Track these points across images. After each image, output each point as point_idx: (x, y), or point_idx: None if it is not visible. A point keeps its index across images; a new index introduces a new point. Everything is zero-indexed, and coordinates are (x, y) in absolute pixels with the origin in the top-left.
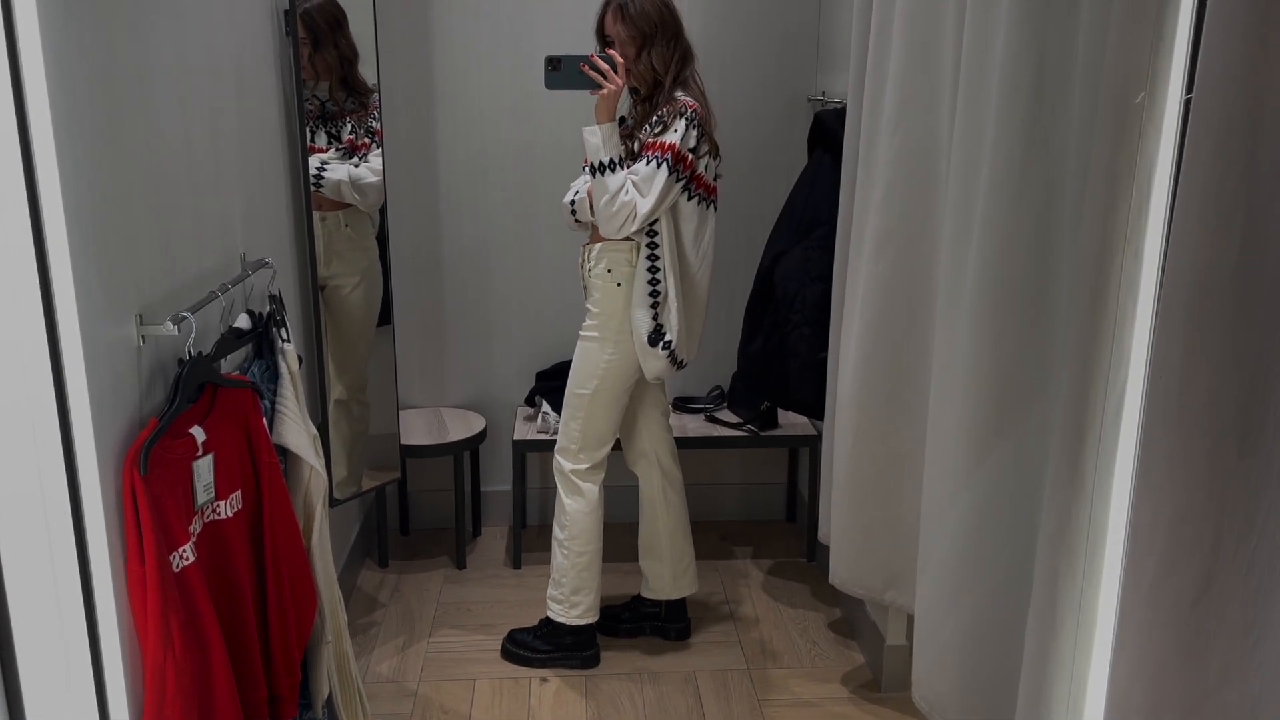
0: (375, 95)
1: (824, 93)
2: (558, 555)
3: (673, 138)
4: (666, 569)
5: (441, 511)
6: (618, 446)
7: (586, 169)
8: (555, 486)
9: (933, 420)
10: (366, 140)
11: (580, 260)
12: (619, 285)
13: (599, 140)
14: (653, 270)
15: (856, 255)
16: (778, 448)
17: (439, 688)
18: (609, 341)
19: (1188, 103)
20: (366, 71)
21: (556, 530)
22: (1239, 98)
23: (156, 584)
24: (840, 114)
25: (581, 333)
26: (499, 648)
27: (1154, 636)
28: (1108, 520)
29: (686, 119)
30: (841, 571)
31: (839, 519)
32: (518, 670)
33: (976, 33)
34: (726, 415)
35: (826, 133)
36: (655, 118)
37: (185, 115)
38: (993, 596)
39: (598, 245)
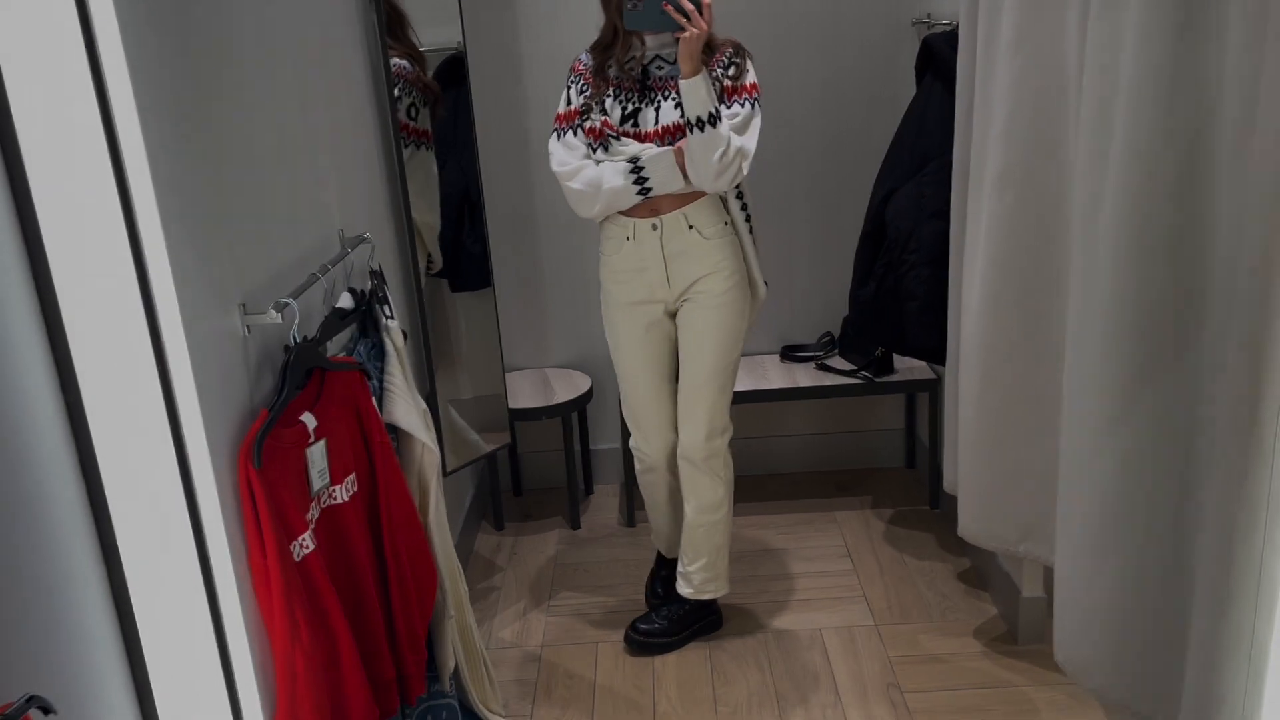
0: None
1: (929, 15)
2: (712, 537)
3: (752, 78)
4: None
5: (552, 471)
6: None
7: (624, 147)
8: (696, 470)
9: (1071, 364)
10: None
11: (658, 237)
12: (734, 234)
13: (705, 92)
14: (745, 209)
15: (977, 190)
16: (895, 394)
17: (562, 652)
18: (745, 298)
19: None
20: (438, 31)
21: (707, 515)
22: None
23: (279, 575)
24: (951, 37)
25: (711, 302)
26: (622, 609)
27: None
28: None
29: (749, 56)
30: (971, 524)
31: (967, 468)
32: None
33: None
34: (838, 362)
35: (936, 58)
36: (724, 59)
37: (273, 90)
38: (1143, 555)
39: (686, 210)
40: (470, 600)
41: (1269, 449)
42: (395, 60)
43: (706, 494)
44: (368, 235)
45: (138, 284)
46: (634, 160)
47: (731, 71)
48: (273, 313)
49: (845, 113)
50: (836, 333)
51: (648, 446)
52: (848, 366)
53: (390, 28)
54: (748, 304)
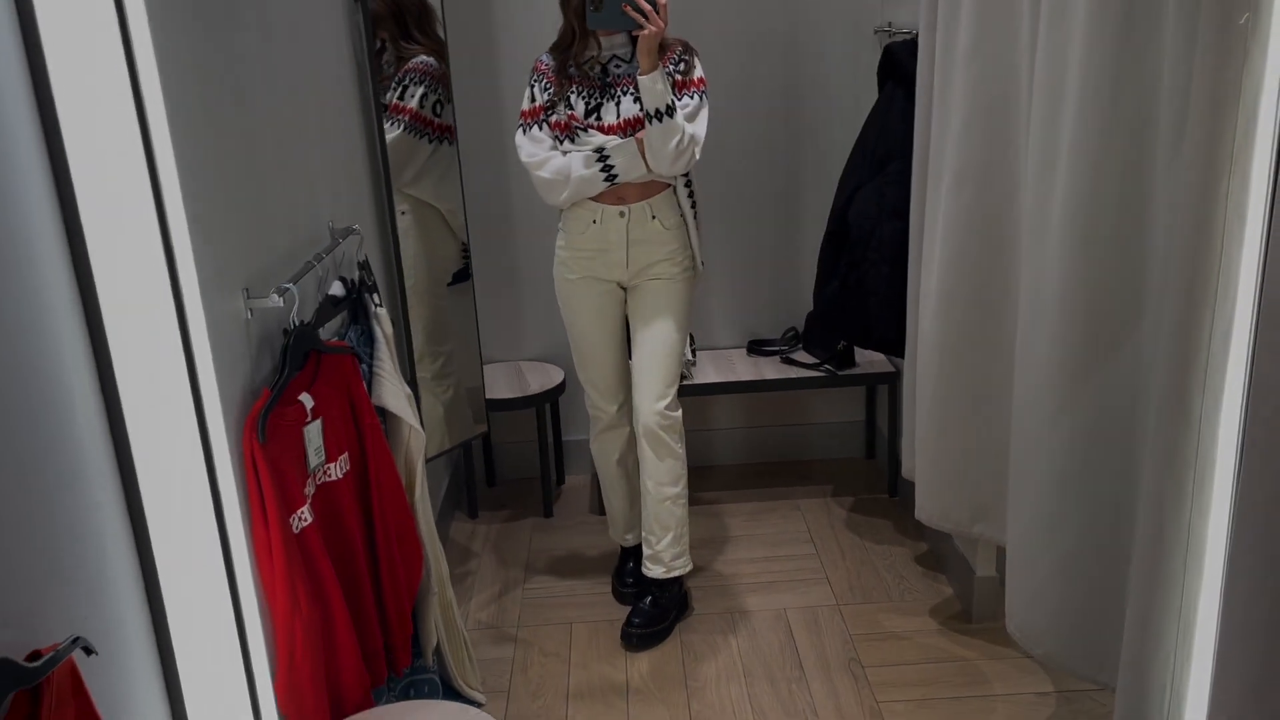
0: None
1: (890, 23)
2: (675, 511)
3: (700, 72)
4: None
5: (525, 462)
6: None
7: (593, 136)
8: (657, 443)
9: (1022, 352)
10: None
11: (624, 224)
12: (683, 221)
13: (662, 86)
14: (691, 196)
15: (935, 190)
16: (855, 386)
17: (538, 632)
18: (693, 280)
19: None
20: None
21: (669, 488)
22: None
23: (281, 545)
24: (911, 45)
25: (663, 278)
26: (594, 592)
27: (1272, 561)
28: (1215, 447)
29: (695, 53)
30: (928, 506)
31: (924, 454)
32: (612, 613)
33: None
34: (802, 356)
35: (897, 65)
36: (674, 56)
37: (271, 91)
38: (1091, 527)
39: (651, 201)
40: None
41: (1194, 429)
42: (422, 57)
43: (666, 468)
44: (356, 227)
45: (166, 270)
46: (599, 150)
47: (681, 67)
48: (274, 296)
49: (809, 117)
50: (801, 328)
51: (605, 402)
52: (811, 360)
53: (420, 23)
54: (692, 288)
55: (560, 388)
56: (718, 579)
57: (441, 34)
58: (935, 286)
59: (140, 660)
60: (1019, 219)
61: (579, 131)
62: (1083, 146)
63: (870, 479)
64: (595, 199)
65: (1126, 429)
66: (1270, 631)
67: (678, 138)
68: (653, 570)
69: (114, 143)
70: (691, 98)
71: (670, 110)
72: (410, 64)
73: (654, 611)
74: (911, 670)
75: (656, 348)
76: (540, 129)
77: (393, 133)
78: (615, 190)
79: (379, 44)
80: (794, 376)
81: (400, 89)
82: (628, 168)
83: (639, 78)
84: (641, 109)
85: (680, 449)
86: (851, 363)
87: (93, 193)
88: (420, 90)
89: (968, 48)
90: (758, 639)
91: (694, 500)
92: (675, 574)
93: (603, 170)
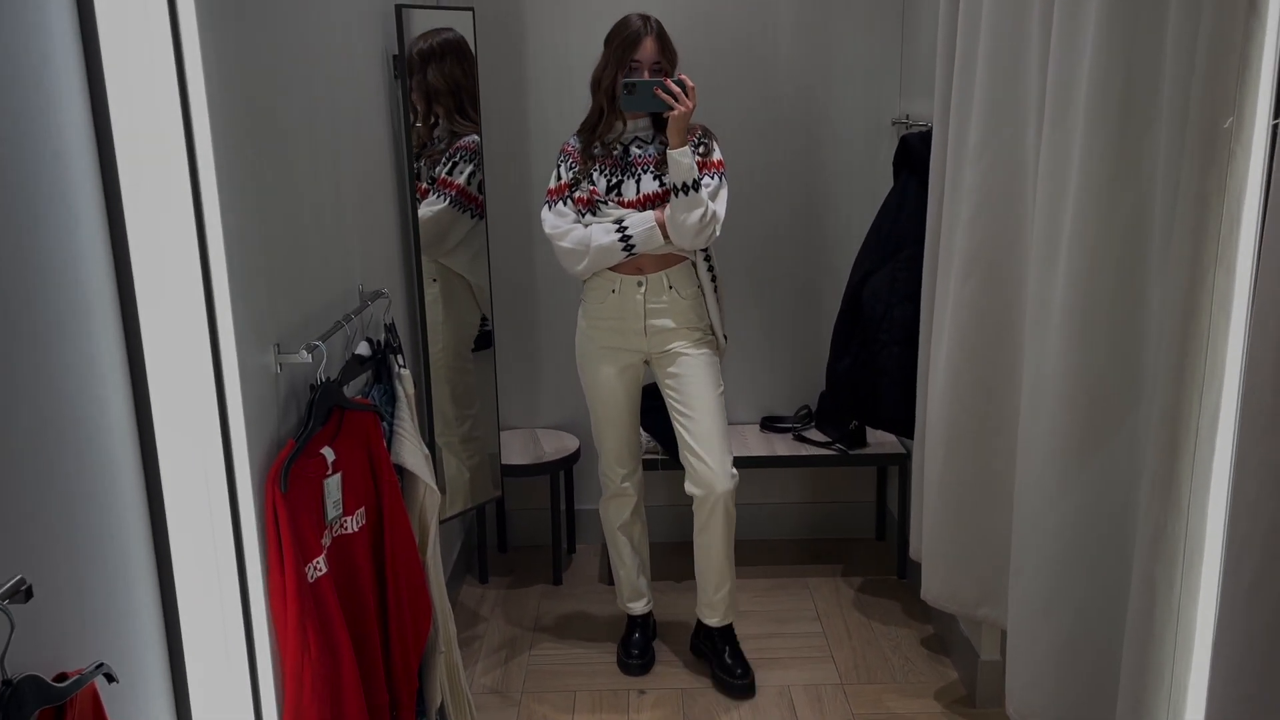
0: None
1: (908, 115)
2: (730, 564)
3: (719, 155)
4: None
5: (537, 529)
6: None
7: (614, 208)
8: (725, 510)
9: (1024, 435)
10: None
11: (642, 294)
12: (700, 292)
13: (689, 161)
14: (711, 270)
15: (945, 276)
16: (867, 466)
17: (541, 699)
18: (713, 345)
19: (1275, 127)
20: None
21: (729, 545)
22: None
23: (295, 593)
24: (925, 137)
25: (690, 350)
26: (599, 661)
27: (1253, 643)
28: (1204, 530)
29: (715, 138)
30: (934, 588)
31: (930, 536)
32: (616, 682)
33: (1063, 56)
34: (814, 434)
35: (912, 156)
36: (694, 139)
37: (313, 160)
38: (1087, 609)
39: (668, 271)
40: None
41: (1183, 513)
42: (473, 136)
43: (728, 526)
44: (385, 290)
45: (207, 324)
46: (619, 222)
47: (701, 149)
48: (304, 353)
49: (827, 203)
50: (814, 406)
51: (613, 469)
52: (823, 439)
53: (474, 101)
54: (717, 358)
55: (575, 456)
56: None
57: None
58: (943, 370)
59: (156, 692)
60: (1024, 308)
61: (600, 205)
62: (1083, 237)
63: (880, 560)
64: (614, 269)
65: (1122, 513)
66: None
67: (701, 210)
68: (709, 618)
69: (164, 194)
70: (712, 178)
71: (696, 185)
72: (462, 141)
73: (742, 658)
74: None
75: (706, 415)
76: (564, 204)
77: (438, 205)
78: (634, 261)
79: (433, 119)
80: (805, 454)
81: (450, 164)
82: (646, 239)
83: (669, 152)
84: (665, 183)
85: (735, 512)
86: (863, 442)
87: (143, 243)
88: (469, 168)
89: (978, 142)
90: (760, 714)
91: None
92: (728, 621)
93: (621, 240)
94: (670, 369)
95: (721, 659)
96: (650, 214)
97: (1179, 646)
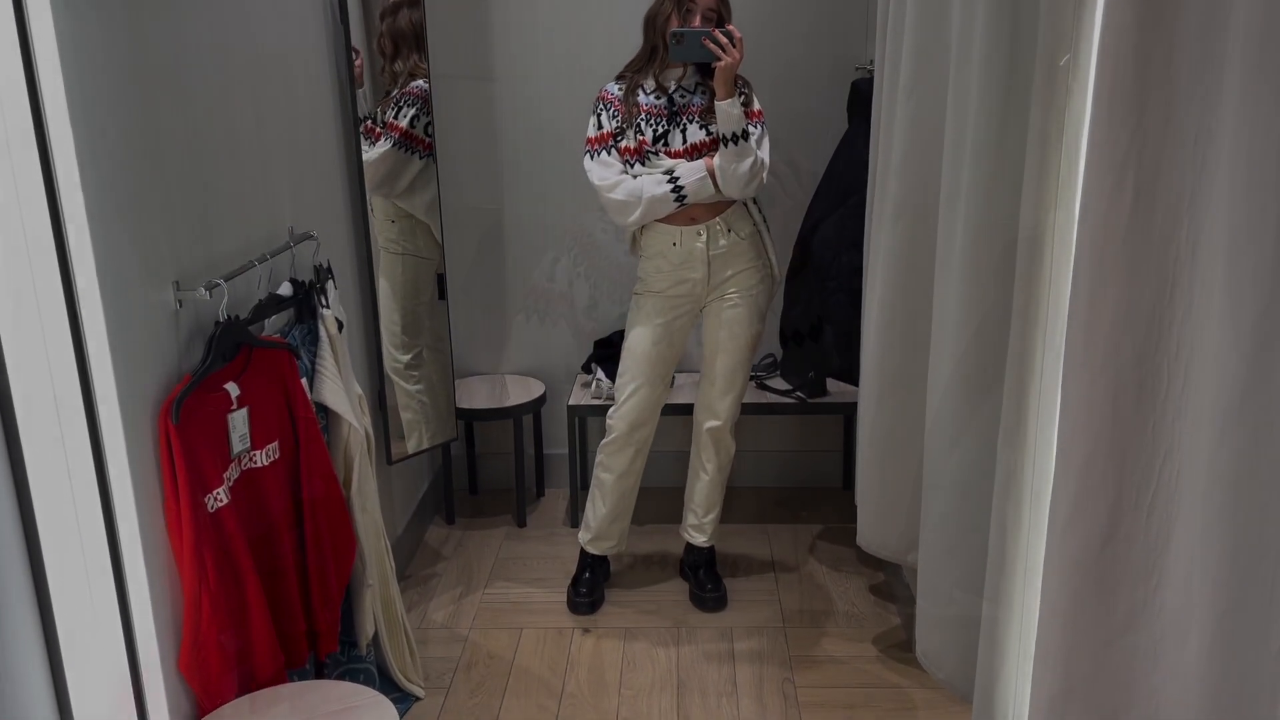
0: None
1: (872, 61)
2: (721, 490)
3: (758, 105)
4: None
5: (508, 473)
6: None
7: (663, 160)
8: (720, 440)
9: (931, 378)
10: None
11: (704, 242)
12: (758, 230)
13: (737, 111)
14: (760, 212)
15: (879, 222)
16: (833, 415)
17: (488, 635)
18: (769, 290)
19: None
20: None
21: (723, 471)
22: (1130, 58)
23: (190, 522)
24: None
25: (744, 297)
26: (550, 601)
27: (1069, 577)
28: (1050, 470)
29: (752, 89)
30: (868, 534)
31: (864, 482)
32: (562, 621)
33: (967, 2)
34: (778, 383)
35: (862, 100)
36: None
37: (226, 98)
38: (977, 554)
39: (722, 216)
40: (412, 585)
41: (1030, 449)
42: (418, 82)
43: (725, 453)
44: (313, 232)
45: (57, 258)
46: (670, 172)
47: (742, 99)
48: (201, 290)
49: (792, 151)
50: (779, 355)
51: (626, 421)
52: (785, 387)
53: (423, 47)
54: (770, 296)
55: (541, 400)
56: (671, 594)
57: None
58: (875, 317)
59: (23, 626)
60: None
61: (650, 155)
62: (979, 182)
63: (843, 508)
64: (668, 221)
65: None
66: (1070, 651)
67: (750, 159)
68: (696, 538)
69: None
70: (754, 128)
71: (745, 134)
72: (410, 86)
73: (717, 575)
74: (841, 693)
75: (732, 360)
76: (609, 154)
77: (384, 148)
78: (686, 211)
79: (398, 63)
80: (766, 402)
81: (397, 109)
82: (696, 190)
83: (718, 103)
84: (713, 132)
85: (734, 445)
86: (823, 391)
87: None
88: (412, 112)
89: (906, 83)
90: (698, 653)
91: (664, 519)
92: (714, 542)
93: (673, 191)
94: (715, 312)
95: (698, 576)
96: (700, 163)
97: (1028, 583)
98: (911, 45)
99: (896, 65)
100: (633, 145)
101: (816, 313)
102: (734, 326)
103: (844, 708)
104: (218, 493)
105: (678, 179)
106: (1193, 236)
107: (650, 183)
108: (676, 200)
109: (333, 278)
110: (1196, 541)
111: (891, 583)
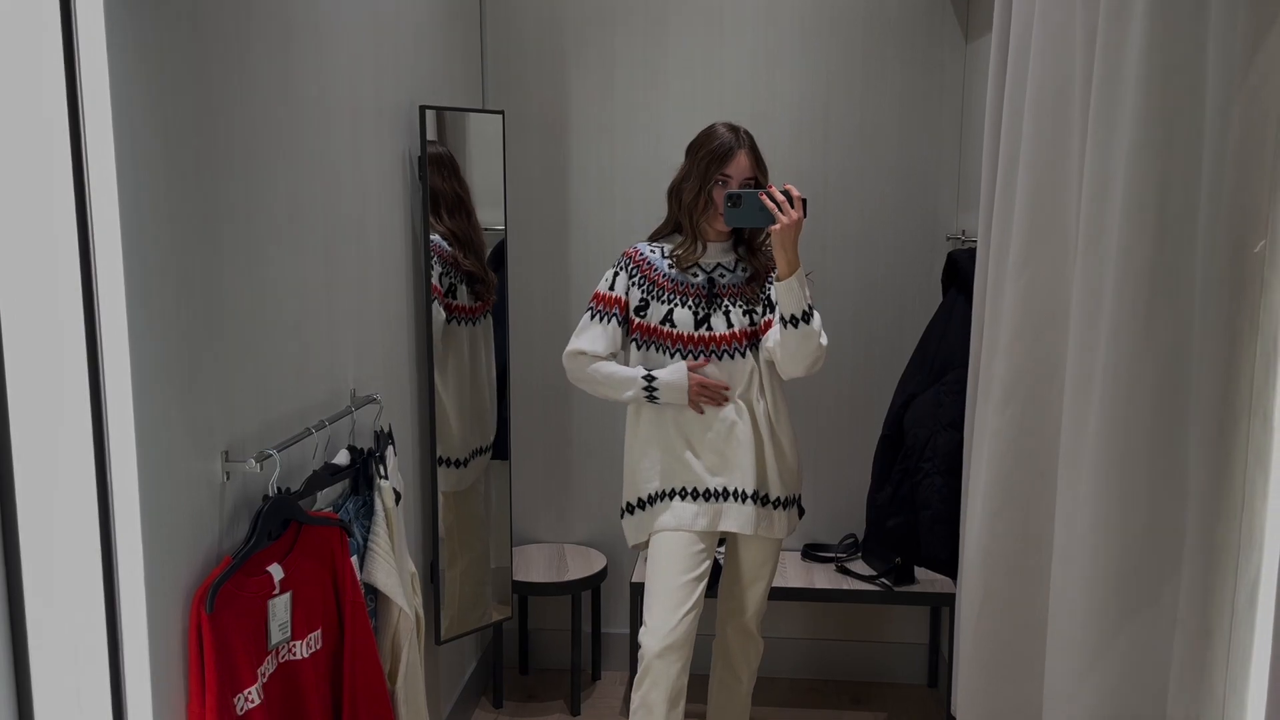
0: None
1: (964, 231)
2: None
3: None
4: None
5: (561, 652)
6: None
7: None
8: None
9: (1056, 590)
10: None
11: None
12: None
13: (800, 290)
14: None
15: (984, 403)
16: (918, 606)
17: None
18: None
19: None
20: (493, 212)
21: (752, 680)
22: None
23: None
24: (973, 253)
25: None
26: None
27: None
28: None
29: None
30: None
31: (965, 694)
32: None
33: (1096, 172)
34: (860, 567)
35: (959, 272)
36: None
37: (298, 258)
38: None
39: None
40: None
41: (1219, 701)
42: (433, 237)
43: (754, 660)
44: (377, 396)
45: (91, 426)
46: (649, 377)
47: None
48: (252, 462)
49: (877, 321)
50: (860, 535)
51: (667, 636)
52: (869, 572)
53: (434, 207)
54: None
55: (602, 574)
56: None
57: (463, 221)
58: (979, 508)
59: None
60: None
61: (663, 344)
62: (1118, 367)
63: (929, 710)
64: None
65: (1159, 696)
66: None
67: (816, 341)
68: None
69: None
70: (812, 304)
71: (808, 315)
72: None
73: None
74: None
75: (758, 592)
76: (608, 322)
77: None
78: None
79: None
80: (847, 588)
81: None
82: (667, 389)
83: (778, 283)
84: (756, 318)
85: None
86: (911, 579)
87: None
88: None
89: (1017, 259)
90: None
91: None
92: None
93: (650, 388)
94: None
95: None
96: (682, 371)
97: None
98: (1024, 219)
99: (1005, 238)
100: (653, 326)
101: (907, 496)
102: (758, 569)
103: None
104: (249, 692)
105: (656, 387)
106: None
107: (625, 380)
108: (651, 398)
109: (393, 443)
110: None
111: None
